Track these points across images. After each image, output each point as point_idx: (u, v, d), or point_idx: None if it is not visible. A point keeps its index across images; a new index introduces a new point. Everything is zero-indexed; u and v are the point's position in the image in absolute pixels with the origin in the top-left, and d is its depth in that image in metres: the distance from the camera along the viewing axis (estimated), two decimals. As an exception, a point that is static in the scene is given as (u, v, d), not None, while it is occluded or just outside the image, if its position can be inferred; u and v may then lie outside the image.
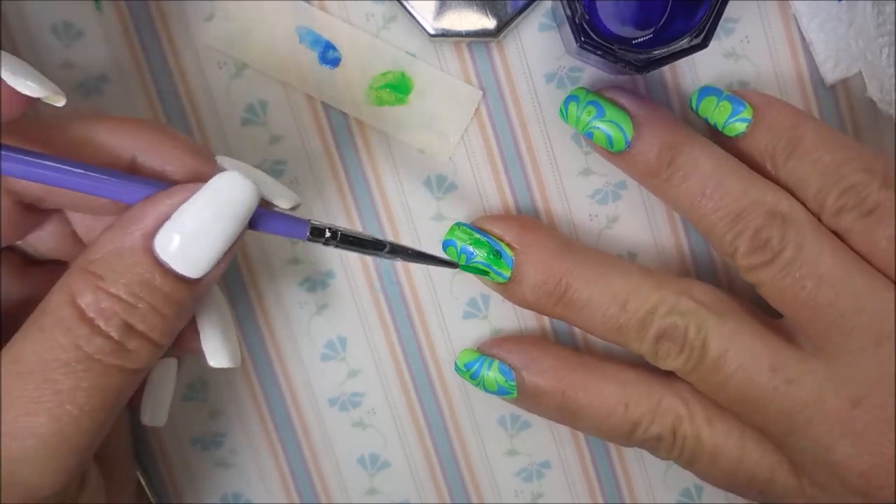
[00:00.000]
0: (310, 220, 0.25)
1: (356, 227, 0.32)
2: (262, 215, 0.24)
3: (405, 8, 0.30)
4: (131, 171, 0.25)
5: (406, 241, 0.32)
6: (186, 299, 0.23)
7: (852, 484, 0.26)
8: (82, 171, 0.23)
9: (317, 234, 0.25)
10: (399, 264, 0.32)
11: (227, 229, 0.23)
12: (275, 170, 0.32)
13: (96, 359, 0.22)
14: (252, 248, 0.32)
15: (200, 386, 0.33)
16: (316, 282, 0.33)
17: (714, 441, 0.29)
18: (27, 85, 0.22)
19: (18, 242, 0.27)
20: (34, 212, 0.26)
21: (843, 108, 0.31)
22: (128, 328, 0.23)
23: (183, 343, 0.26)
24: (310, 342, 0.33)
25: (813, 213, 0.27)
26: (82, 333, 0.22)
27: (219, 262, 0.23)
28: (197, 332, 0.26)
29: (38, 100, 0.22)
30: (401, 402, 0.33)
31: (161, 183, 0.24)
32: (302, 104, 0.31)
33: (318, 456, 0.34)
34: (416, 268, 0.32)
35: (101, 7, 0.31)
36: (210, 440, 0.34)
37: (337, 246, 0.25)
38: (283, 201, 0.26)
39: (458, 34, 0.30)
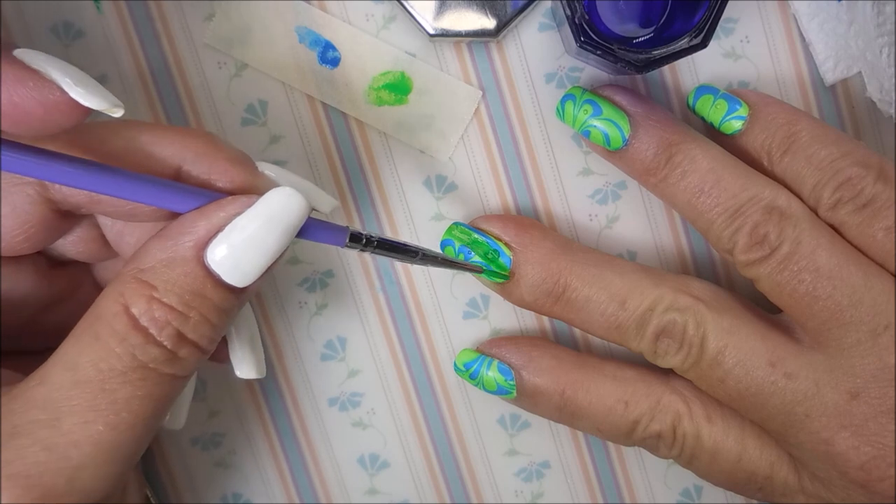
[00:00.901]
0: (348, 227, 0.25)
1: (356, 226, 0.32)
2: (305, 224, 0.24)
3: (405, 8, 0.30)
4: (177, 180, 0.25)
5: (406, 240, 0.32)
6: (233, 308, 0.24)
7: (852, 476, 0.26)
8: (133, 180, 0.23)
9: (354, 240, 0.25)
10: (399, 265, 0.32)
11: (276, 242, 0.24)
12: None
13: (151, 368, 0.23)
14: (252, 248, 0.32)
15: (200, 386, 0.33)
16: (316, 282, 0.33)
17: (714, 438, 0.29)
18: (87, 96, 0.22)
19: None
20: (69, 217, 0.26)
21: (843, 108, 0.31)
22: (180, 337, 0.23)
23: (213, 354, 0.26)
24: (310, 342, 0.33)
25: (810, 208, 0.27)
26: (137, 343, 0.23)
27: (265, 273, 0.24)
28: (225, 342, 0.26)
29: (92, 110, 0.22)
30: (401, 402, 0.33)
31: (210, 193, 0.24)
32: (302, 104, 0.31)
33: (318, 456, 0.34)
34: (417, 268, 0.32)
35: (101, 7, 0.31)
36: (210, 440, 0.34)
37: (373, 252, 0.26)
38: (323, 206, 0.27)
39: (458, 34, 0.30)
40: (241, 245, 0.23)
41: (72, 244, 0.27)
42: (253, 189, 0.25)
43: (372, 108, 0.31)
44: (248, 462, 0.34)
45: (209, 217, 0.23)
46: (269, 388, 0.33)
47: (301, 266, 0.33)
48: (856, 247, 0.27)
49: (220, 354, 0.27)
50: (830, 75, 0.31)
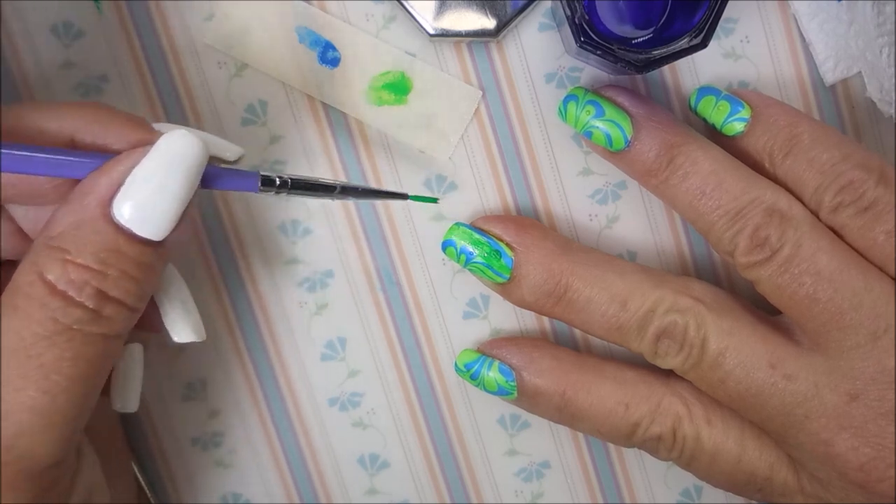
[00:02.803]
0: (258, 171, 0.25)
1: (356, 226, 0.32)
2: (212, 173, 0.24)
3: (405, 8, 0.30)
4: (73, 149, 0.25)
5: (406, 240, 0.32)
6: (154, 262, 0.24)
7: (851, 477, 0.26)
8: (25, 151, 0.23)
9: (268, 184, 0.25)
10: (399, 265, 0.32)
11: (181, 187, 0.23)
12: (275, 170, 0.32)
13: (75, 329, 0.23)
14: (252, 248, 0.32)
15: (200, 386, 0.33)
16: (316, 282, 0.33)
17: (714, 441, 0.29)
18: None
19: None
20: None
21: (843, 108, 0.31)
22: (101, 295, 0.23)
23: (144, 324, 0.26)
24: (310, 342, 0.33)
25: (811, 211, 0.27)
26: (57, 306, 0.23)
27: (179, 222, 0.24)
28: (157, 311, 0.26)
29: None
30: (401, 402, 0.33)
31: (106, 155, 0.24)
32: (302, 104, 0.31)
33: (318, 456, 0.34)
34: (417, 268, 0.32)
35: (101, 7, 0.31)
36: (210, 440, 0.34)
37: (289, 193, 0.26)
38: (228, 154, 0.27)
39: (458, 34, 0.30)
40: (144, 195, 0.23)
41: None
42: (149, 144, 0.24)
43: (372, 108, 0.31)
44: (248, 462, 0.34)
45: (108, 173, 0.23)
46: (269, 388, 0.33)
47: (301, 266, 0.33)
48: (856, 250, 0.27)
49: (153, 323, 0.27)
50: (830, 75, 0.31)
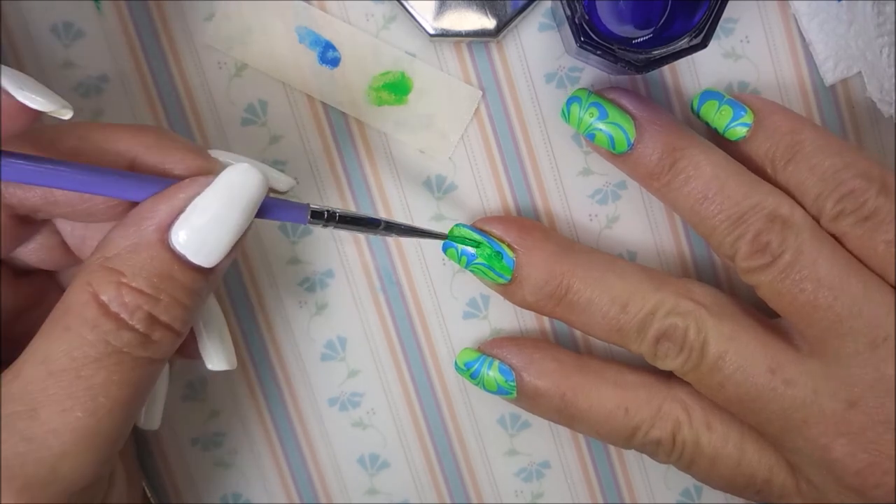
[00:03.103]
0: (308, 204, 0.26)
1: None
2: (265, 204, 0.25)
3: (405, 8, 0.30)
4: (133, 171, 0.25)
5: (406, 240, 0.32)
6: (203, 288, 0.24)
7: (848, 483, 0.27)
8: (89, 172, 0.23)
9: (316, 216, 0.26)
10: (399, 265, 0.32)
11: (239, 219, 0.24)
12: (276, 169, 0.32)
13: (125, 352, 0.23)
14: (252, 248, 0.32)
15: (200, 386, 0.33)
16: (316, 282, 0.33)
17: (713, 445, 0.29)
18: (34, 99, 0.22)
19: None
20: (27, 223, 0.26)
21: (843, 108, 0.31)
22: (152, 320, 0.23)
23: (182, 348, 0.26)
24: (310, 342, 0.33)
25: (812, 218, 0.27)
26: (109, 329, 0.23)
27: (230, 251, 0.24)
28: (194, 337, 0.26)
29: (43, 113, 0.23)
30: (401, 402, 0.33)
31: (166, 179, 0.24)
32: (302, 104, 0.31)
33: (318, 456, 0.34)
34: (417, 268, 0.32)
35: (101, 7, 0.31)
36: (210, 440, 0.34)
37: (336, 226, 0.26)
38: (281, 185, 0.27)
39: (458, 34, 0.30)
40: (203, 224, 0.23)
41: (34, 252, 0.27)
42: (209, 173, 0.25)
43: (372, 108, 0.31)
44: (248, 462, 0.34)
45: (169, 200, 0.24)
46: (269, 388, 0.33)
47: (301, 266, 0.33)
48: (857, 258, 0.27)
49: (189, 349, 0.27)
50: (830, 75, 0.31)
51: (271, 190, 0.27)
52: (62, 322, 0.23)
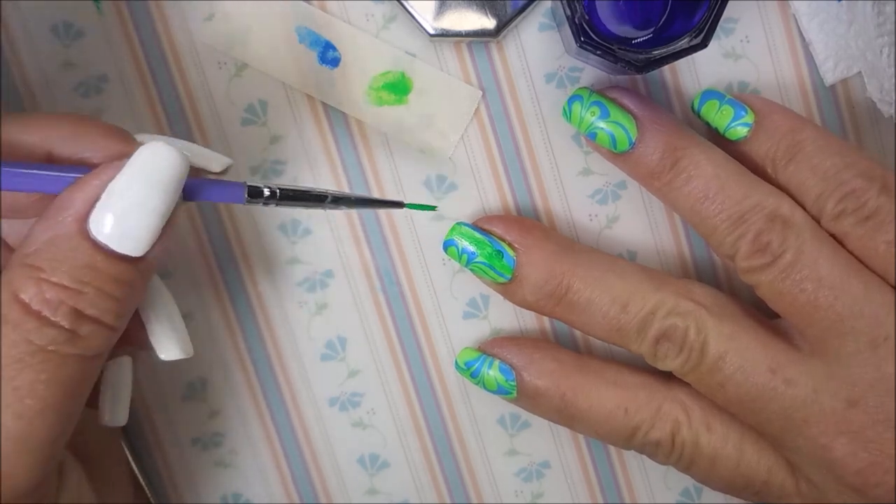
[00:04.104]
0: (245, 182, 0.24)
1: (356, 227, 0.32)
2: (196, 184, 0.24)
3: (405, 8, 0.30)
4: (50, 163, 0.24)
5: (406, 240, 0.32)
6: (134, 279, 0.23)
7: (849, 482, 0.27)
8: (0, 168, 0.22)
9: (255, 195, 0.24)
10: (399, 265, 0.32)
11: (160, 201, 0.23)
12: (275, 170, 0.32)
13: (50, 350, 0.22)
14: (252, 248, 0.32)
15: (200, 386, 0.33)
16: (316, 282, 0.33)
17: (713, 446, 0.29)
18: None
19: None
20: None
21: (843, 108, 0.31)
22: (78, 315, 0.22)
23: (130, 339, 0.25)
24: (310, 342, 0.33)
25: (813, 218, 0.27)
26: (31, 327, 0.22)
27: (160, 237, 0.23)
28: (143, 326, 0.25)
29: None
30: (401, 402, 0.33)
31: (83, 168, 0.23)
32: (302, 104, 0.31)
33: (318, 456, 0.34)
34: (417, 268, 0.32)
35: (101, 7, 0.31)
36: (210, 440, 0.34)
37: (278, 204, 0.25)
38: (213, 165, 0.26)
39: (458, 34, 0.30)
40: (121, 210, 0.22)
41: None
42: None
43: (372, 108, 0.31)
44: (248, 462, 0.34)
45: (83, 188, 0.22)
46: (269, 388, 0.33)
47: (301, 266, 0.33)
48: (857, 258, 0.27)
49: (138, 338, 0.26)
50: (830, 75, 0.31)
51: (206, 172, 0.25)
52: None
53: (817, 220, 0.27)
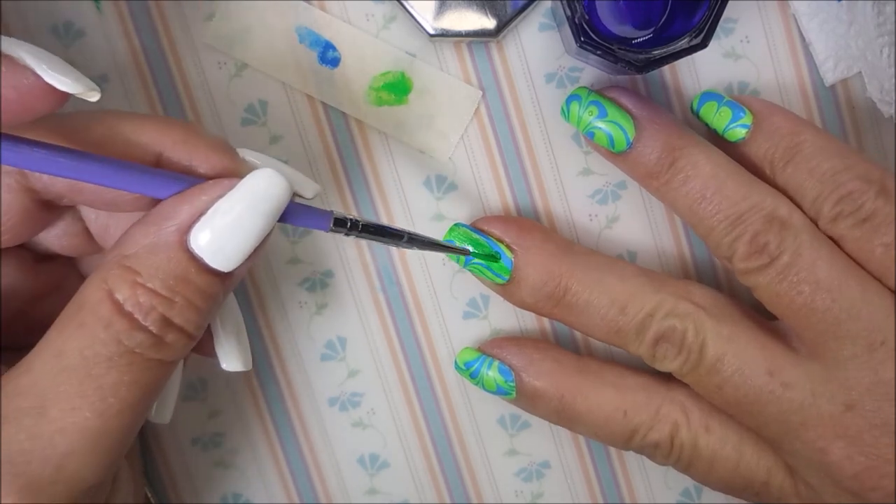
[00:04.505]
0: (332, 211, 0.25)
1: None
2: (288, 209, 0.24)
3: (405, 8, 0.30)
4: (158, 167, 0.25)
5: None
6: (219, 293, 0.24)
7: (845, 485, 0.27)
8: (115, 167, 0.23)
9: (339, 224, 0.25)
10: (399, 265, 0.32)
11: (260, 225, 0.23)
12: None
13: (137, 353, 0.23)
14: (252, 248, 0.32)
15: (200, 386, 0.33)
16: (316, 282, 0.33)
17: (711, 448, 0.29)
18: (61, 80, 0.22)
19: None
20: (51, 209, 0.26)
21: (843, 108, 0.31)
22: (166, 322, 0.23)
23: (197, 348, 0.26)
24: (310, 342, 0.33)
25: (811, 220, 0.27)
26: (122, 328, 0.22)
27: (249, 256, 0.24)
28: (210, 336, 0.26)
29: (70, 96, 0.22)
30: (401, 402, 0.33)
31: (191, 178, 0.24)
32: (302, 104, 0.31)
33: (318, 456, 0.34)
34: (417, 268, 0.32)
35: (101, 7, 0.31)
36: (210, 440, 0.34)
37: (358, 236, 0.26)
38: (306, 191, 0.27)
39: (458, 34, 0.30)
40: (224, 229, 0.23)
41: (56, 238, 0.27)
42: (234, 174, 0.24)
43: (372, 108, 0.31)
44: (248, 462, 0.34)
45: (191, 201, 0.23)
46: (269, 388, 0.33)
47: (301, 266, 0.33)
48: (855, 260, 0.27)
49: (205, 347, 0.27)
50: (830, 75, 0.31)
51: (296, 195, 0.27)
52: (76, 318, 0.23)
53: (815, 222, 0.27)
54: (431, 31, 0.30)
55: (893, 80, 0.30)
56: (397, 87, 0.31)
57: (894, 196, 0.26)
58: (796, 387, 0.27)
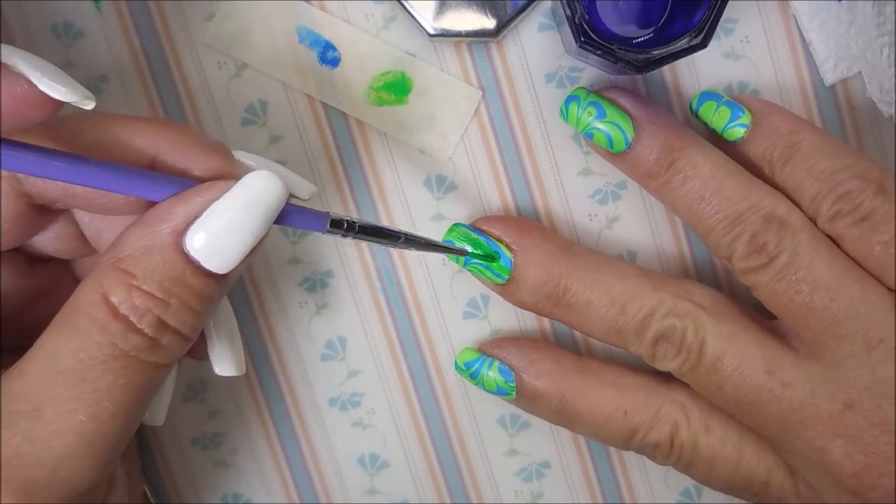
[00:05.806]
0: (328, 213, 0.25)
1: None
2: (284, 210, 0.24)
3: (405, 8, 0.30)
4: (153, 170, 0.25)
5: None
6: (215, 295, 0.24)
7: (845, 484, 0.27)
8: (110, 170, 0.23)
9: (335, 225, 0.25)
10: (399, 265, 0.32)
11: (256, 227, 0.23)
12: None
13: (132, 356, 0.23)
14: (252, 248, 0.32)
15: (200, 386, 0.33)
16: (316, 282, 0.33)
17: (711, 448, 0.29)
18: (56, 88, 0.22)
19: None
20: (45, 212, 0.26)
21: (843, 108, 0.31)
22: (161, 325, 0.23)
23: (191, 350, 0.26)
24: (310, 342, 0.33)
25: (809, 219, 0.27)
26: (117, 331, 0.22)
27: (245, 258, 0.24)
28: (204, 340, 0.26)
29: (64, 103, 0.22)
30: (401, 402, 0.33)
31: (186, 180, 0.24)
32: (302, 104, 0.31)
33: (318, 456, 0.34)
34: (417, 268, 0.32)
35: (101, 7, 0.31)
36: (210, 440, 0.34)
37: (354, 237, 0.26)
38: (302, 192, 0.27)
39: (458, 34, 0.30)
40: (219, 230, 0.23)
41: (50, 241, 0.27)
42: (230, 176, 0.24)
43: (372, 108, 0.31)
44: (248, 462, 0.34)
45: (186, 203, 0.23)
46: (269, 388, 0.33)
47: (301, 266, 0.33)
48: (853, 259, 0.27)
49: (199, 352, 0.27)
50: (830, 75, 0.31)
51: (291, 196, 0.27)
52: (71, 321, 0.23)
53: (813, 222, 0.27)
54: (431, 31, 0.30)
55: (893, 80, 0.30)
56: (397, 87, 0.31)
57: (893, 195, 0.26)
58: (795, 386, 0.27)
